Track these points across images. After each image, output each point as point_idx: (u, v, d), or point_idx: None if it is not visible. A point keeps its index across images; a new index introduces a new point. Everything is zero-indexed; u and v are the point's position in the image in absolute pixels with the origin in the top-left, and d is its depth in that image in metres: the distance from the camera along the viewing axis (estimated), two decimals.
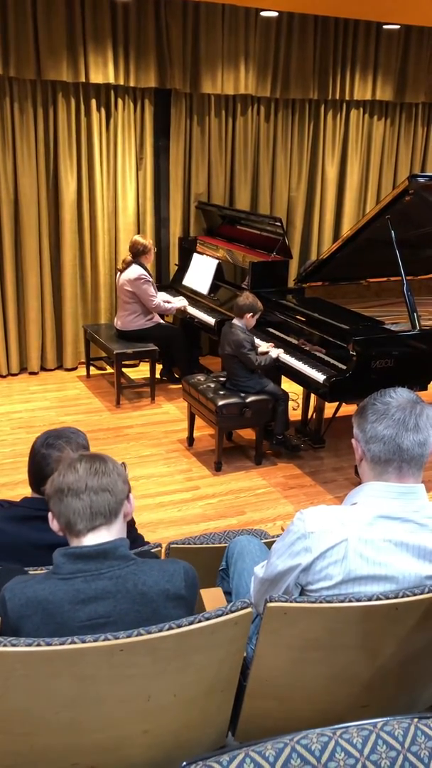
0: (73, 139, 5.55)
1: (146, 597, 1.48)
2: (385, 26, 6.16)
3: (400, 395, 1.64)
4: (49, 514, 1.58)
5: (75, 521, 1.51)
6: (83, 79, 5.35)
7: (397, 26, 6.18)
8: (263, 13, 5.70)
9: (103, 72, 5.38)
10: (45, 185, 5.58)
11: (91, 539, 1.51)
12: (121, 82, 5.50)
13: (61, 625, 1.44)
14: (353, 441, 1.69)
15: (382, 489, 1.59)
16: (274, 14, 5.73)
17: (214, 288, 5.47)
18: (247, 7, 5.63)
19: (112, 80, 5.44)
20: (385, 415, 1.60)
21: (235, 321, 4.29)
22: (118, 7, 5.33)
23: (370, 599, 1.48)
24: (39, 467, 2.10)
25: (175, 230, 6.12)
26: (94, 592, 1.45)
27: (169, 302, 5.43)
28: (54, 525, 1.57)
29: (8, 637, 1.29)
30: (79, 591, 1.45)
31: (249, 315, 4.23)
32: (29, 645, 1.28)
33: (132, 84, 5.54)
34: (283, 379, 4.59)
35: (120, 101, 5.64)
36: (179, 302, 5.47)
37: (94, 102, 5.54)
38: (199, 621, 1.36)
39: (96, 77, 5.37)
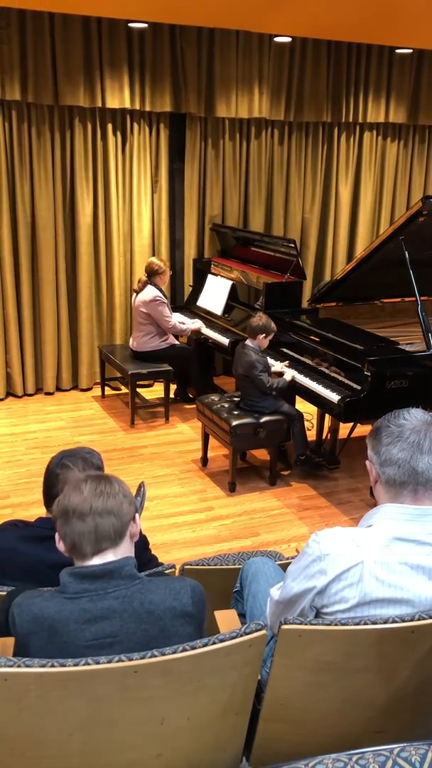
0: (90, 163, 5.63)
1: (153, 615, 1.47)
2: (397, 50, 6.22)
3: (414, 417, 1.62)
4: (56, 535, 1.58)
5: (80, 544, 1.51)
6: (100, 104, 5.44)
7: (410, 50, 6.24)
8: (276, 39, 5.78)
9: (119, 97, 5.47)
10: (61, 208, 5.65)
11: (98, 561, 1.52)
12: (137, 107, 5.59)
13: (67, 644, 1.44)
14: (367, 463, 1.68)
15: (397, 511, 1.58)
16: (288, 39, 5.80)
17: (228, 309, 5.49)
18: (260, 32, 5.71)
19: (128, 105, 5.52)
20: (400, 437, 1.59)
21: (248, 342, 4.30)
22: (134, 33, 5.43)
23: (385, 622, 1.47)
24: (54, 487, 2.11)
25: (190, 252, 6.17)
26: (100, 611, 1.45)
27: (184, 323, 5.46)
28: (61, 546, 1.57)
29: (22, 658, 1.29)
30: (85, 610, 1.45)
31: (262, 336, 4.24)
32: (43, 666, 1.28)
33: (147, 108, 5.62)
34: (298, 399, 4.58)
35: (136, 125, 5.72)
36: (195, 324, 5.50)
37: (110, 126, 5.63)
38: (213, 643, 1.35)
39: (112, 102, 5.46)
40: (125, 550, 1.56)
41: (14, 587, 1.96)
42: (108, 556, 1.52)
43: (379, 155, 6.65)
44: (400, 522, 1.56)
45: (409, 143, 6.76)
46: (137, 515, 1.63)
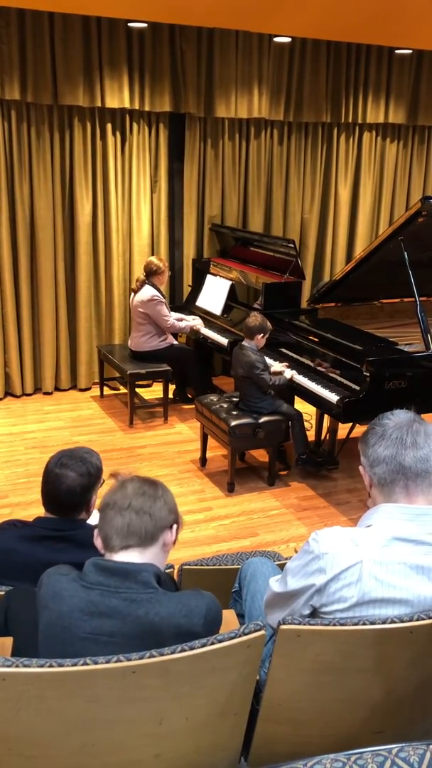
0: (89, 163, 5.63)
1: (154, 628, 1.45)
2: (396, 51, 6.22)
3: (396, 416, 1.67)
4: (95, 530, 1.60)
5: (111, 536, 1.54)
6: (99, 104, 5.44)
7: (409, 51, 6.24)
8: (276, 39, 5.78)
9: (118, 97, 5.47)
10: (61, 208, 5.65)
11: (122, 557, 1.53)
12: (137, 107, 5.59)
13: (66, 629, 1.46)
14: (360, 468, 1.70)
15: (396, 511, 1.58)
16: (287, 40, 5.81)
17: (227, 309, 5.49)
18: (260, 33, 5.72)
19: (127, 105, 5.52)
20: (383, 436, 1.63)
21: (245, 342, 4.30)
22: (134, 33, 5.42)
23: (384, 622, 1.47)
24: (53, 487, 2.11)
25: (189, 252, 6.17)
26: (106, 608, 1.46)
27: (182, 320, 5.46)
28: (98, 542, 1.59)
29: (20, 658, 1.29)
30: (92, 603, 1.46)
31: (260, 336, 4.24)
32: (41, 666, 1.28)
33: (147, 108, 5.62)
34: (296, 399, 4.59)
35: (135, 125, 5.72)
36: (193, 320, 5.50)
37: (109, 126, 5.63)
38: (212, 643, 1.35)
39: (111, 102, 5.46)
40: (153, 555, 1.55)
41: (12, 587, 1.96)
42: (133, 556, 1.53)
43: (378, 155, 6.66)
44: (399, 522, 1.57)
45: (408, 144, 6.76)
46: (176, 526, 1.62)
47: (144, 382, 5.94)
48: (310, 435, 4.85)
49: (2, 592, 1.95)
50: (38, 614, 1.53)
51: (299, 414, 4.39)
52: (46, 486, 2.13)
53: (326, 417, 4.64)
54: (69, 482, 2.10)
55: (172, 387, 5.72)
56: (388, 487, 1.61)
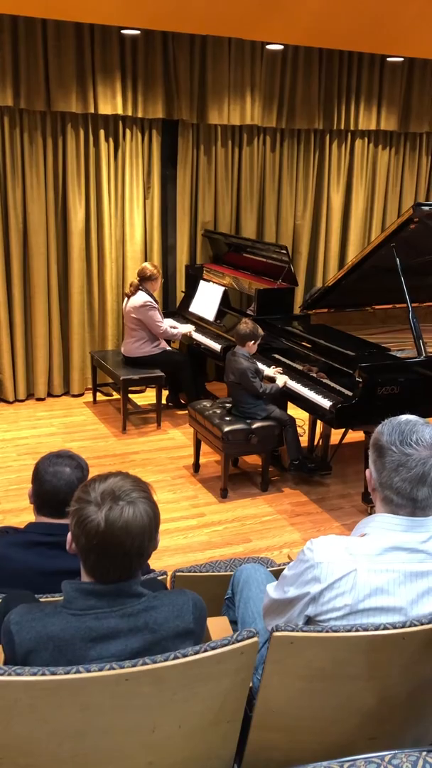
0: (82, 169, 5.63)
1: (156, 635, 1.45)
2: (388, 59, 6.26)
3: (422, 445, 1.55)
4: (69, 535, 1.52)
5: (102, 571, 1.46)
6: (92, 111, 5.45)
7: (401, 58, 6.28)
8: (269, 46, 5.81)
9: (111, 103, 5.48)
10: (54, 214, 5.65)
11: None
12: (129, 113, 5.60)
13: (72, 663, 1.39)
14: (367, 472, 1.67)
15: (392, 521, 1.58)
16: (280, 47, 5.83)
17: (220, 314, 5.50)
18: (252, 40, 5.74)
19: (120, 111, 5.53)
20: (404, 466, 1.55)
21: (237, 349, 4.30)
22: (127, 40, 5.44)
23: (377, 629, 1.47)
24: (51, 485, 2.11)
25: (182, 258, 6.18)
26: (105, 630, 1.42)
27: (175, 327, 5.47)
28: (73, 548, 1.51)
29: (12, 667, 1.28)
30: (91, 629, 1.41)
31: (251, 342, 4.25)
32: (34, 674, 1.27)
33: (140, 115, 5.63)
34: (289, 405, 4.59)
35: (128, 132, 5.74)
36: (186, 328, 5.50)
37: (102, 133, 5.64)
38: (205, 650, 1.35)
39: (104, 108, 5.47)
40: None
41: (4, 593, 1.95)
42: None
43: (370, 162, 6.69)
44: (395, 532, 1.57)
45: (400, 150, 6.80)
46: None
47: (137, 388, 5.94)
48: (303, 441, 4.85)
49: None
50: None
51: (292, 419, 4.39)
52: (44, 486, 2.12)
53: (319, 423, 4.64)
54: (67, 476, 2.11)
55: (165, 393, 5.71)
56: (392, 507, 1.59)
